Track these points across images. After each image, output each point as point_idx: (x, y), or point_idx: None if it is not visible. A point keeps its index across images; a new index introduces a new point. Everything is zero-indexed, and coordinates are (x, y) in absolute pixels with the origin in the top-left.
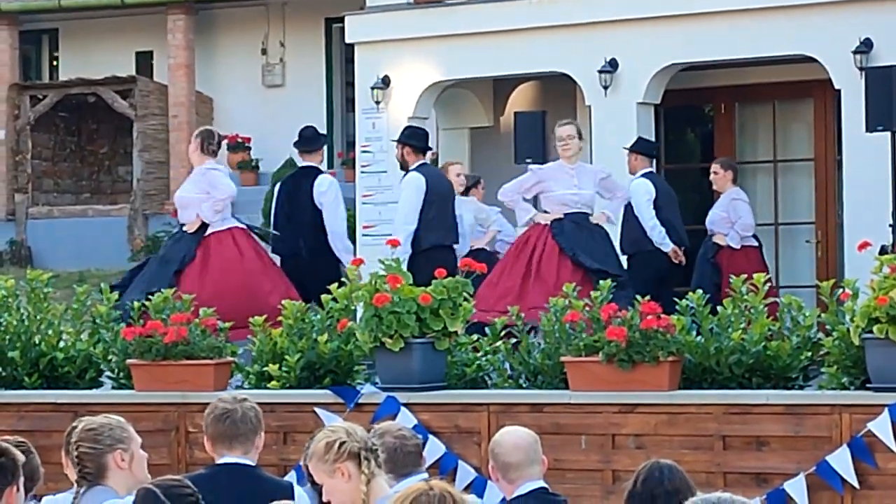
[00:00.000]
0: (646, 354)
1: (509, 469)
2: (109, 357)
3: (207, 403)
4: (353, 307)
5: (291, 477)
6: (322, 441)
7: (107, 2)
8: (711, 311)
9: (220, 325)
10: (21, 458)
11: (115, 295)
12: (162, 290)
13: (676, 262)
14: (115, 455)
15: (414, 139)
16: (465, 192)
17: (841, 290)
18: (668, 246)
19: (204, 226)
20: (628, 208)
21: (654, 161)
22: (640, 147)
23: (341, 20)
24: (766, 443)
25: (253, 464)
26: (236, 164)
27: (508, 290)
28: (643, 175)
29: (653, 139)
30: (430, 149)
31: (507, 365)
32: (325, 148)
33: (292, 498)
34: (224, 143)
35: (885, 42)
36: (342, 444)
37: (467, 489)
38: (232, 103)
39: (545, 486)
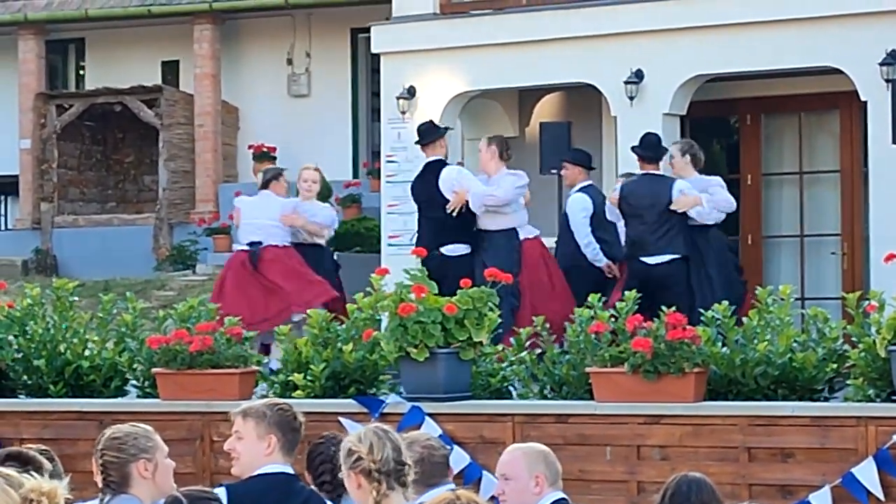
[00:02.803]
0: (671, 366)
1: (559, 477)
2: (135, 366)
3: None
4: (378, 317)
5: None
6: (347, 445)
7: (133, 11)
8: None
9: (245, 335)
10: (48, 465)
11: (141, 303)
12: None
13: (611, 276)
14: (139, 464)
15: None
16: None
17: (867, 301)
18: (601, 261)
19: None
20: (564, 222)
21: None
22: (577, 158)
23: (367, 30)
24: (792, 455)
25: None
26: None
27: None
28: (581, 189)
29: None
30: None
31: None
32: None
33: None
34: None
35: None
36: (358, 458)
37: (491, 500)
38: (257, 113)
39: (565, 496)
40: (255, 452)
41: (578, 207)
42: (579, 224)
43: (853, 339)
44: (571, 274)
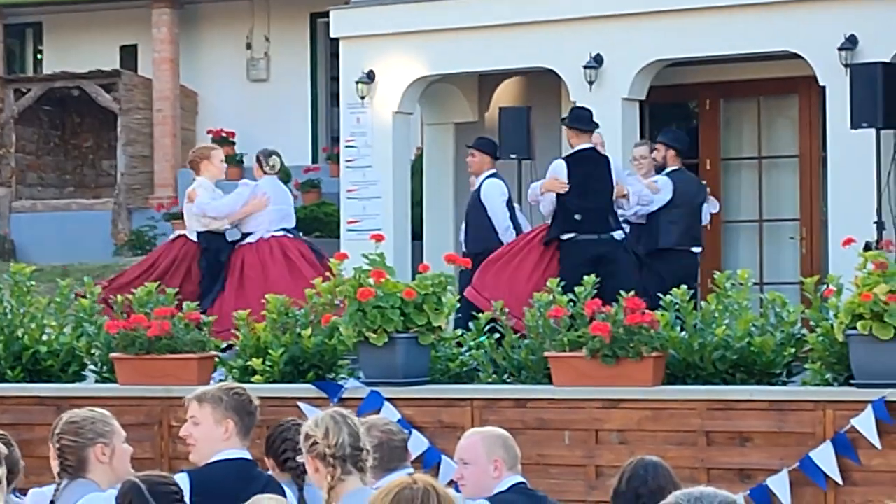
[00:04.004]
0: (629, 350)
1: (517, 461)
2: (93, 351)
3: None
4: (336, 302)
5: None
6: (305, 429)
7: None
8: None
9: (203, 320)
10: (4, 450)
11: (99, 288)
12: None
13: None
14: (96, 449)
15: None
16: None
17: (825, 286)
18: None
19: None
20: (479, 208)
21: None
22: (483, 146)
23: (326, 15)
24: (750, 439)
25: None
26: None
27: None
28: (492, 175)
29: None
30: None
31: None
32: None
33: (284, 494)
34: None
35: (870, 39)
36: (314, 443)
37: (450, 485)
38: (216, 97)
39: (523, 480)
40: (213, 437)
41: (497, 192)
42: (499, 209)
43: (811, 323)
44: (481, 258)
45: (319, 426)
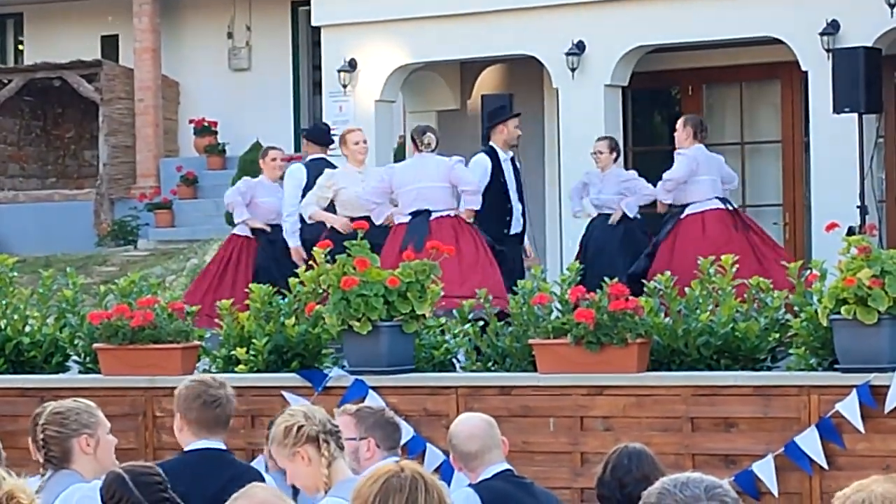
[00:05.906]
0: (614, 336)
1: (468, 458)
2: (76, 341)
3: (175, 387)
4: (320, 291)
5: (258, 463)
6: (281, 425)
7: None
8: None
9: (187, 309)
10: None
11: (82, 279)
12: None
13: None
14: (81, 440)
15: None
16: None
17: (809, 271)
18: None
19: None
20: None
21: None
22: (312, 134)
23: (307, 3)
24: (735, 424)
25: (226, 448)
26: (203, 148)
27: None
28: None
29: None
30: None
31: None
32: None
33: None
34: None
35: (851, 23)
36: (300, 427)
37: (436, 472)
38: (198, 87)
39: (510, 468)
40: (177, 431)
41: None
42: (290, 196)
43: (795, 308)
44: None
45: (295, 414)
